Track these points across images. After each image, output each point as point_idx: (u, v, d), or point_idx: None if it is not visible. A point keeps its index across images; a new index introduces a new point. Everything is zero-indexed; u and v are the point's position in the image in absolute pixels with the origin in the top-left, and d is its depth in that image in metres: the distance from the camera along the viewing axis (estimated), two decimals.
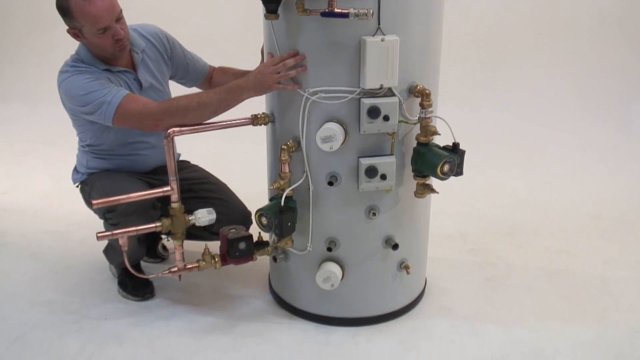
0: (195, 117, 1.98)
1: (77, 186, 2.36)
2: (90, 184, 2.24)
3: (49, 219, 3.05)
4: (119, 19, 2.06)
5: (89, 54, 2.11)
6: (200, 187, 2.36)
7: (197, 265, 2.12)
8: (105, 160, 2.28)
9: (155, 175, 2.33)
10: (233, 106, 1.97)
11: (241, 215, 2.32)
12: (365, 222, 2.02)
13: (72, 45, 2.17)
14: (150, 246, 2.58)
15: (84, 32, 2.03)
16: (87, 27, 2.01)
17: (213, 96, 1.97)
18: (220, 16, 4.57)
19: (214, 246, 2.15)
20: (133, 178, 2.23)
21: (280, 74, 1.88)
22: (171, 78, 2.40)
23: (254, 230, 2.09)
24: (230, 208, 2.31)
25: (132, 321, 2.21)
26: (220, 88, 1.99)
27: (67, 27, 2.06)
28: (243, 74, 2.40)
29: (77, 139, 2.33)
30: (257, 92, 1.94)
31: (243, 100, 1.96)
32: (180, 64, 2.37)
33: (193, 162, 2.56)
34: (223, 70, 2.46)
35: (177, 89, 2.38)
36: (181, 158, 2.53)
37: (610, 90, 4.34)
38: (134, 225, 2.02)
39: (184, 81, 2.44)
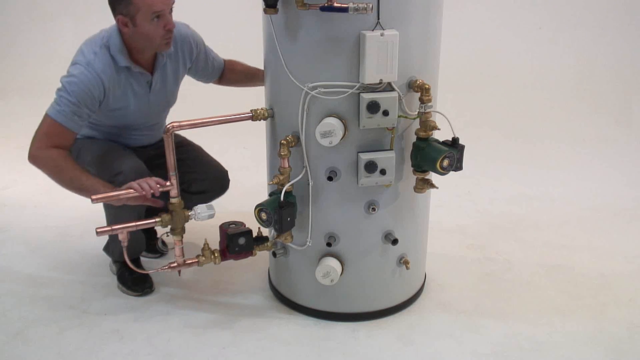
0: (57, 181, 2.06)
1: None
2: (80, 145, 2.22)
3: (49, 214, 3.06)
4: (170, 11, 2.07)
5: (121, 45, 2.09)
6: (178, 150, 2.38)
7: (196, 260, 2.12)
8: (97, 132, 2.29)
9: (139, 151, 2.37)
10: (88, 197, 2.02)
11: (218, 174, 2.39)
12: (364, 217, 2.02)
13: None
14: (147, 240, 2.57)
15: (137, 19, 2.01)
16: (141, 13, 2.00)
17: (82, 182, 2.01)
18: (219, 9, 4.56)
19: (214, 241, 2.16)
20: (128, 153, 2.25)
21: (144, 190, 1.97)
22: (188, 73, 2.41)
23: (254, 225, 2.09)
24: (206, 166, 2.37)
25: (132, 316, 2.21)
26: (95, 180, 2.02)
27: (117, 15, 2.03)
28: (249, 70, 2.45)
29: None
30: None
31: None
32: (200, 67, 2.39)
33: None
34: (232, 67, 2.49)
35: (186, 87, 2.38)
36: None
37: (610, 84, 4.33)
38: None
39: (201, 79, 2.47)
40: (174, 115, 2.46)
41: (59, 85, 2.06)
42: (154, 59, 2.20)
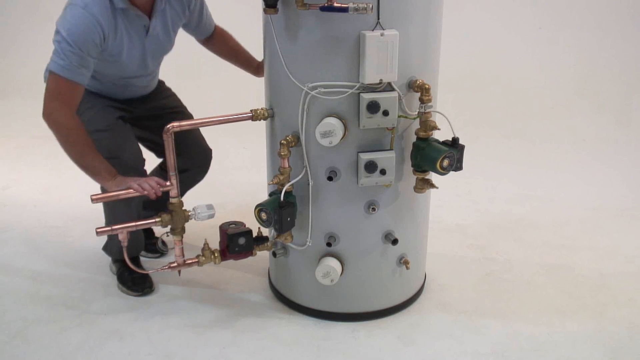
0: (65, 150, 2.03)
1: None
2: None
3: (49, 214, 3.06)
4: None
5: None
6: (170, 117, 2.37)
7: (196, 260, 2.12)
8: (95, 81, 2.22)
9: (132, 106, 2.35)
10: (90, 176, 2.04)
11: (201, 152, 2.41)
12: (364, 217, 2.02)
13: None
14: (146, 240, 2.58)
15: None
16: None
17: (89, 162, 2.01)
18: (219, 9, 4.55)
19: (214, 241, 2.16)
20: (126, 130, 2.25)
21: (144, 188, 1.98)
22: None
23: (254, 225, 2.09)
24: (191, 146, 2.36)
25: (132, 316, 2.21)
26: (101, 161, 2.02)
27: None
28: (240, 51, 2.46)
29: None
30: (112, 187, 2.02)
31: (97, 181, 2.05)
32: (195, 19, 2.33)
33: None
34: (223, 37, 2.47)
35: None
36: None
37: (610, 84, 4.33)
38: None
39: (188, 31, 2.41)
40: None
41: (57, 33, 1.97)
42: (152, 3, 2.12)
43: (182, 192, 2.44)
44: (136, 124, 2.35)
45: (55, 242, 2.78)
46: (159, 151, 2.47)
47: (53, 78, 1.98)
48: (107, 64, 2.12)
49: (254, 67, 2.45)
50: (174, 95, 2.52)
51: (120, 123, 2.26)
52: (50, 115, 2.00)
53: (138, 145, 2.27)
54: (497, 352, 2.01)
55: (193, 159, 2.41)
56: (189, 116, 2.48)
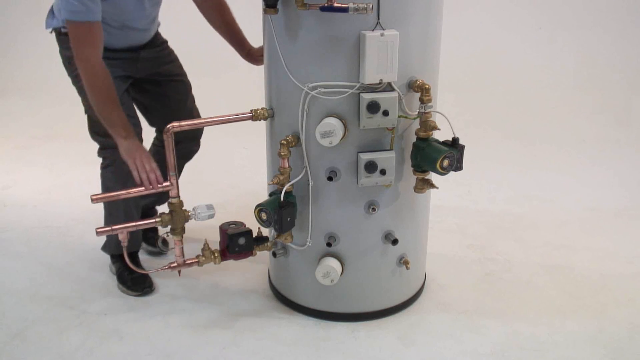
0: (89, 95, 2.06)
1: (51, 32, 2.26)
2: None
3: (49, 214, 3.05)
4: None
5: None
6: (170, 85, 2.38)
7: (196, 260, 2.12)
8: None
9: (136, 69, 2.33)
10: (106, 127, 2.09)
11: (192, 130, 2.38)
12: (364, 217, 2.02)
13: None
14: (147, 232, 2.58)
15: None
16: None
17: (108, 113, 2.05)
18: None
19: (214, 241, 2.16)
20: (129, 109, 2.26)
21: (139, 172, 2.03)
22: None
23: (254, 225, 2.09)
24: (182, 115, 2.33)
25: (132, 316, 2.21)
26: (120, 117, 2.06)
27: None
28: (233, 29, 2.42)
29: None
30: (121, 152, 2.07)
31: (111, 133, 2.08)
32: None
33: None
34: (220, 5, 2.41)
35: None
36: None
37: (610, 84, 4.33)
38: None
39: None
40: None
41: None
42: None
43: (180, 167, 2.44)
44: (136, 85, 2.34)
45: (55, 242, 2.78)
46: (149, 119, 2.48)
47: (71, 25, 2.00)
48: (102, 3, 2.07)
49: (245, 51, 2.42)
50: (177, 60, 2.49)
51: (125, 99, 2.26)
52: (80, 61, 2.02)
53: (140, 125, 2.27)
54: (497, 352, 2.01)
55: (184, 133, 2.36)
56: (188, 84, 2.48)
